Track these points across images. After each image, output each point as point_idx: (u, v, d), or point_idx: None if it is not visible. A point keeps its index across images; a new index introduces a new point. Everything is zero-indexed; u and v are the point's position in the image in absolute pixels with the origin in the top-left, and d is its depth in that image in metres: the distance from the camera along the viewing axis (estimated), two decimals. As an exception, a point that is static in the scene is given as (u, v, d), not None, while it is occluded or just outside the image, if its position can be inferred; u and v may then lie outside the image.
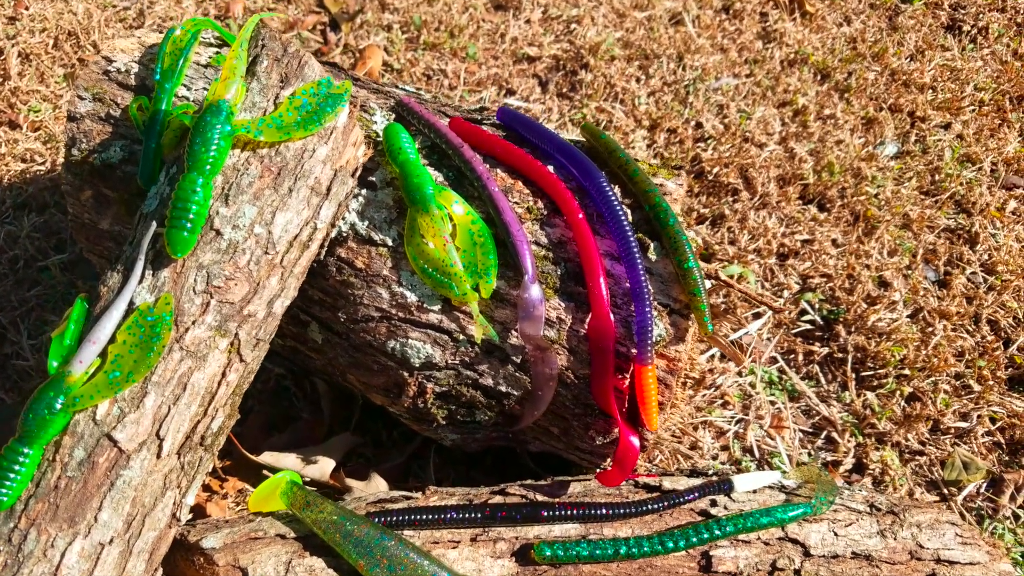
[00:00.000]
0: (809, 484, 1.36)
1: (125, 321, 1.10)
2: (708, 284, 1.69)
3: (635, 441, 1.22)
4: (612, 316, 1.23)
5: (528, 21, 2.78)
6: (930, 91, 2.54)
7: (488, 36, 2.69)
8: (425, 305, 1.30)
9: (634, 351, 1.25)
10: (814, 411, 1.74)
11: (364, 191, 1.34)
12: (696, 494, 1.28)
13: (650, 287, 1.24)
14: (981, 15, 2.86)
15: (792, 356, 1.84)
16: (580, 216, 1.28)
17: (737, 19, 2.83)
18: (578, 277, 1.29)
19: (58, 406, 1.06)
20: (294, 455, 1.55)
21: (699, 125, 2.39)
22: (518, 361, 1.29)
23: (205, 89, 1.47)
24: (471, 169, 1.33)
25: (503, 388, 1.31)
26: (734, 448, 1.68)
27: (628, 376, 1.26)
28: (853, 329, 1.86)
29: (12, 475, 1.05)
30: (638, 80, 2.57)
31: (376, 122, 1.44)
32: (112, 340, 1.10)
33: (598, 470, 1.40)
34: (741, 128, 2.35)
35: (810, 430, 1.72)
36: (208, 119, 1.12)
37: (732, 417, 1.73)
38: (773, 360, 1.83)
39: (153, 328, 1.09)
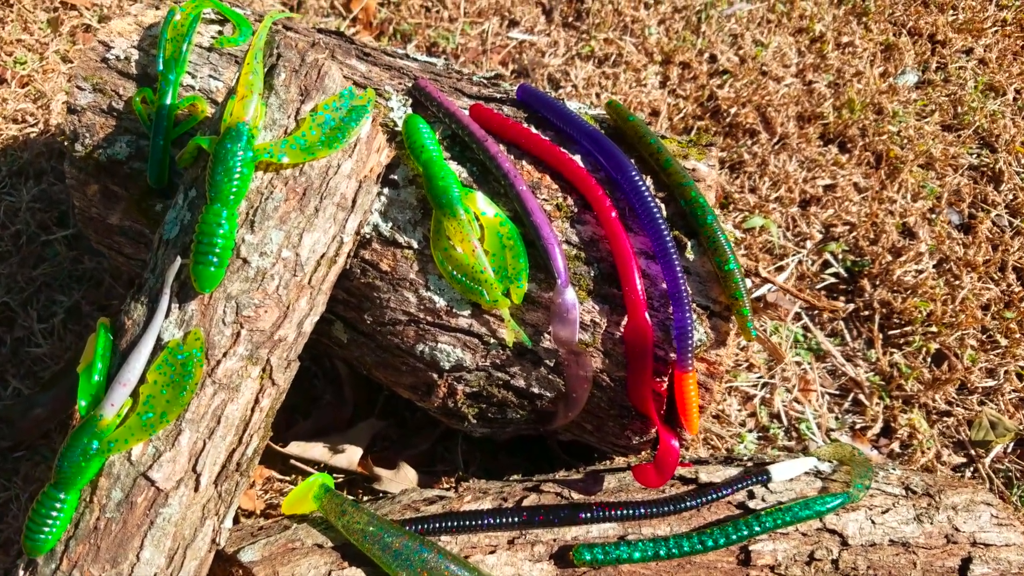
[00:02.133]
0: (844, 465, 1.36)
1: (154, 359, 1.07)
2: (748, 283, 1.64)
3: (675, 444, 1.22)
4: (649, 319, 1.20)
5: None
6: (951, 10, 2.43)
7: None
8: (454, 310, 1.26)
9: (673, 355, 1.23)
10: (840, 371, 1.74)
11: (386, 190, 1.29)
12: (734, 487, 1.29)
13: (688, 288, 1.20)
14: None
15: (817, 312, 1.82)
16: (613, 215, 1.23)
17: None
18: (612, 278, 1.25)
19: (93, 451, 1.04)
20: (321, 445, 1.54)
21: (713, 58, 2.30)
22: (551, 364, 1.27)
23: (211, 76, 1.39)
24: (497, 166, 1.27)
25: (535, 389, 1.29)
26: (761, 414, 1.68)
27: (666, 379, 1.24)
28: (878, 283, 1.83)
29: (51, 521, 1.04)
30: (647, 7, 2.45)
31: (393, 108, 1.37)
32: (143, 380, 1.07)
33: (633, 462, 1.40)
34: (757, 60, 2.26)
35: (836, 392, 1.72)
36: (229, 146, 1.06)
37: (758, 380, 1.72)
38: (797, 317, 1.81)
39: (184, 366, 1.06)
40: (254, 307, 1.09)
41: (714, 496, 1.27)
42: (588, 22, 2.40)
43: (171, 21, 1.40)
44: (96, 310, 1.79)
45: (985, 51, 2.33)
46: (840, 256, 1.88)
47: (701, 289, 1.25)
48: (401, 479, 1.52)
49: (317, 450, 1.53)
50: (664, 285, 1.23)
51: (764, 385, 1.72)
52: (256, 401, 1.13)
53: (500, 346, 1.27)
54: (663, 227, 1.22)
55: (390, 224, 1.28)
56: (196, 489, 1.09)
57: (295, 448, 1.53)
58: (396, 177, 1.30)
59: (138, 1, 2.30)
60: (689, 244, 1.26)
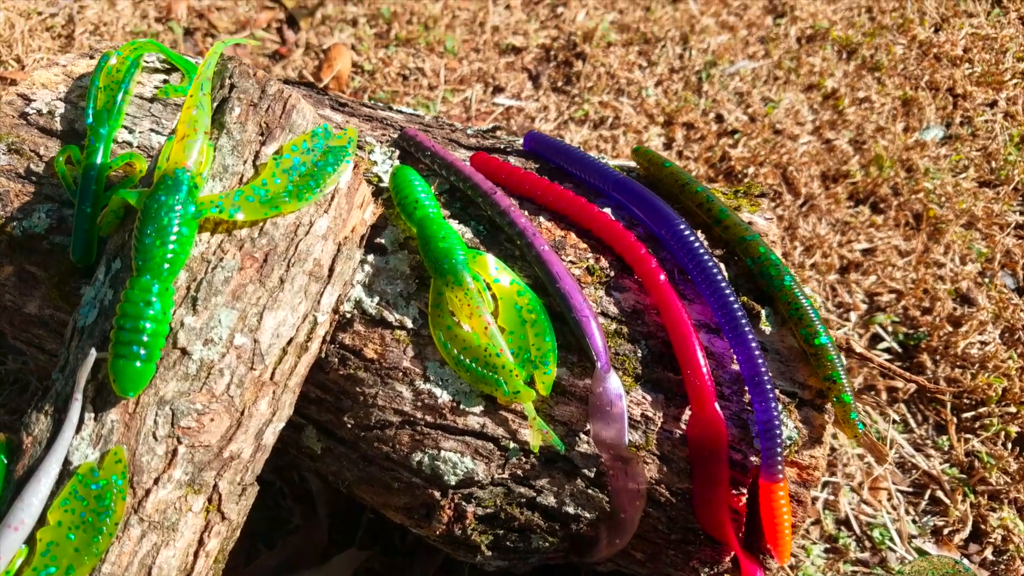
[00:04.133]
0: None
1: (60, 492, 0.77)
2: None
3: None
4: (720, 411, 0.93)
5: (508, 7, 2.45)
6: (966, 64, 2.26)
7: (466, 26, 2.35)
8: (462, 406, 0.98)
9: (754, 459, 0.95)
10: (910, 463, 1.46)
11: (371, 257, 1.02)
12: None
13: (769, 370, 0.93)
14: (998, -24, 2.59)
15: (874, 393, 1.55)
16: (662, 278, 0.97)
17: (740, -10, 2.53)
18: (666, 359, 0.98)
19: (-34, 629, 0.72)
20: (291, 585, 1.22)
21: (720, 117, 2.09)
22: (591, 475, 0.98)
23: (152, 131, 1.12)
24: (510, 222, 1.01)
25: (570, 509, 1.00)
26: (826, 521, 1.39)
27: (746, 491, 0.96)
28: (939, 358, 1.58)
29: None
30: (642, 68, 2.25)
31: (376, 162, 1.11)
32: (42, 521, 0.76)
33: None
34: (769, 118, 2.05)
35: (910, 490, 1.44)
36: (162, 199, 0.78)
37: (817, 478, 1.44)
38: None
39: (100, 500, 0.76)
40: (196, 414, 0.80)
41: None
42: (579, 86, 2.20)
43: (104, 66, 1.14)
44: (17, 420, 1.47)
45: (1009, 104, 2.15)
46: (891, 328, 1.63)
47: (783, 371, 0.98)
48: (393, 626, 1.20)
49: (284, 593, 1.21)
50: (735, 366, 0.96)
51: (826, 485, 1.44)
52: (200, 543, 0.83)
53: (523, 452, 0.98)
54: (728, 291, 0.95)
55: (376, 299, 1.00)
56: (115, 675, 0.78)
57: (257, 592, 1.21)
58: (383, 241, 1.03)
59: (69, 52, 2.06)
60: (763, 313, 0.99)
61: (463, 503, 1.01)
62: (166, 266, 0.77)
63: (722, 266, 0.99)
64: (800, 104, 2.12)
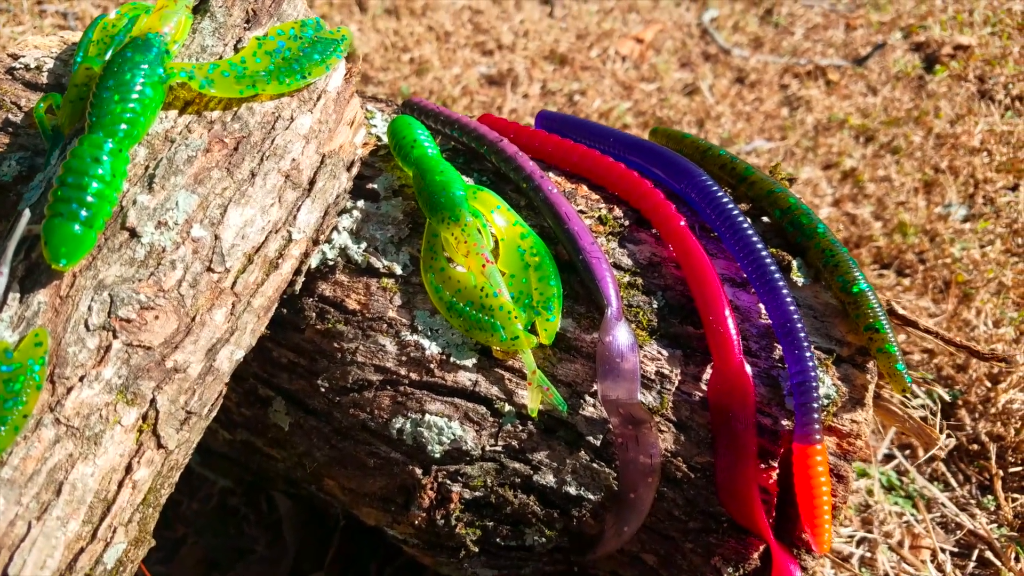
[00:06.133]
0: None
1: (-41, 374, 0.64)
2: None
3: (797, 573, 0.77)
4: (748, 369, 0.80)
5: (526, 96, 2.46)
6: (984, 154, 2.23)
7: (483, 108, 2.34)
8: (453, 359, 0.85)
9: (785, 423, 0.81)
10: (953, 523, 1.30)
11: (361, 203, 0.92)
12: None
13: (803, 321, 0.81)
14: (1011, 84, 2.61)
15: (910, 451, 1.40)
16: (681, 223, 0.87)
17: (755, 89, 2.55)
18: (685, 312, 0.86)
19: None
20: (245, 607, 1.05)
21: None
22: (597, 444, 0.84)
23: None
24: (517, 167, 0.92)
25: (572, 489, 0.85)
26: (863, 579, 1.22)
27: (777, 464, 0.82)
28: (978, 415, 1.44)
29: None
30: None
31: (376, 126, 1.03)
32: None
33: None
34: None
35: (955, 550, 1.27)
36: (128, 55, 0.70)
37: (851, 536, 1.27)
38: (888, 458, 1.40)
39: (8, 385, 0.63)
40: (138, 306, 0.69)
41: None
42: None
43: (101, 22, 1.09)
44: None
45: (1032, 189, 2.10)
46: (924, 388, 1.50)
47: (818, 327, 0.86)
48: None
49: (236, 614, 1.04)
50: (764, 320, 0.84)
51: (861, 541, 1.27)
52: (128, 470, 0.69)
53: (519, 417, 0.85)
54: (755, 239, 0.85)
55: (364, 245, 0.90)
56: (2, 615, 0.62)
57: (203, 611, 1.03)
58: (376, 186, 0.93)
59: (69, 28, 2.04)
60: (794, 264, 0.88)
61: (448, 483, 0.87)
62: (123, 126, 0.68)
63: (748, 219, 0.89)
64: (819, 180, 2.07)
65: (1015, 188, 2.12)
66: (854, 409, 0.82)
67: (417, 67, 2.42)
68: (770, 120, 2.37)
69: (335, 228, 0.89)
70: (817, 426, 0.77)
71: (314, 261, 0.89)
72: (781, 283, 0.82)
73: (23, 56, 1.10)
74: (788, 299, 0.81)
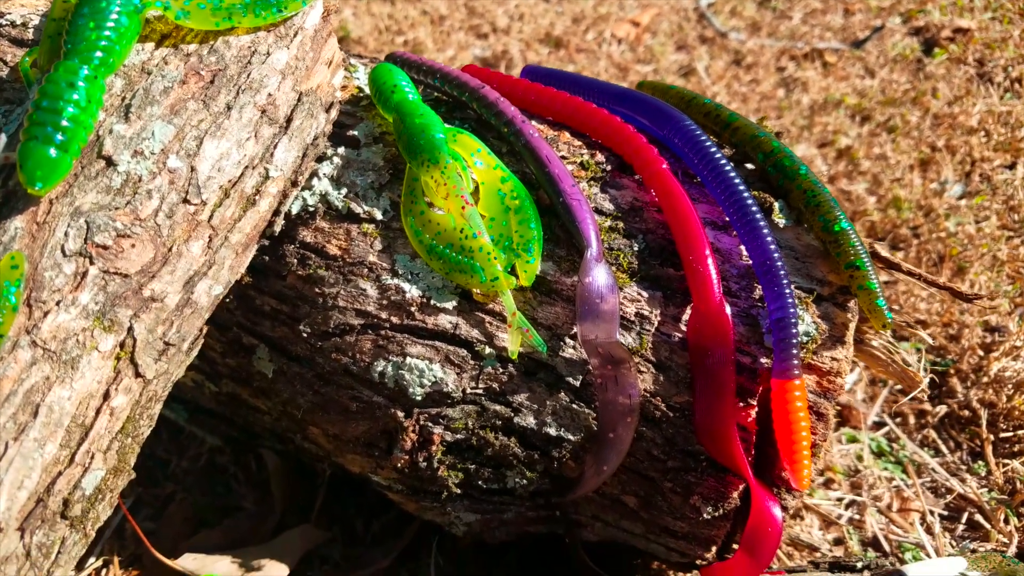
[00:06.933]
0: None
1: (-67, 295, 0.65)
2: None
3: (776, 510, 0.77)
4: (727, 308, 0.80)
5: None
6: (981, 134, 2.22)
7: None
8: (433, 302, 0.85)
9: (765, 361, 0.81)
10: (943, 487, 1.29)
11: (341, 150, 0.92)
12: (856, 594, 0.82)
13: (784, 261, 0.81)
14: (1011, 67, 2.60)
15: (901, 418, 1.40)
16: (663, 166, 0.87)
17: (752, 71, 2.55)
18: (665, 254, 0.86)
19: None
20: (228, 558, 1.05)
21: (730, 166, 2.03)
22: (576, 384, 0.84)
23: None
24: (498, 112, 0.92)
25: (552, 430, 0.85)
26: (851, 540, 1.21)
27: (756, 403, 0.81)
28: (970, 384, 1.43)
29: None
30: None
31: (359, 79, 1.04)
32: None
33: (700, 563, 0.93)
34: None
35: (945, 512, 1.26)
36: (101, -18, 0.70)
37: (840, 499, 1.27)
38: (877, 425, 1.39)
39: (-19, 305, 0.64)
40: (115, 234, 0.69)
41: (830, 608, 0.81)
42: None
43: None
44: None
45: (1030, 169, 2.09)
46: (918, 356, 1.50)
47: (799, 268, 0.86)
48: (343, 610, 1.02)
49: (222, 565, 1.04)
50: (745, 261, 0.84)
51: (850, 504, 1.27)
52: (106, 396, 0.69)
53: (500, 359, 0.85)
54: (737, 180, 0.85)
55: (344, 191, 0.90)
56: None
57: (189, 562, 1.03)
58: (356, 133, 0.94)
59: None
60: (776, 205, 0.88)
61: (429, 425, 0.87)
62: (98, 53, 0.68)
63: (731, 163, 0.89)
64: (814, 157, 2.07)
65: (1012, 167, 2.11)
66: (834, 347, 0.82)
67: (411, 50, 2.42)
68: (766, 101, 2.37)
69: (316, 175, 0.90)
70: (796, 362, 0.77)
71: (295, 207, 0.89)
72: (762, 223, 0.82)
73: (9, 13, 1.10)
74: (769, 239, 0.81)
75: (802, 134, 2.15)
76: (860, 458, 1.33)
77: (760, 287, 0.82)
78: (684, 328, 0.83)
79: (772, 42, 2.63)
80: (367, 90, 1.00)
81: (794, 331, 0.77)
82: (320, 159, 0.90)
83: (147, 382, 0.72)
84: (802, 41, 2.61)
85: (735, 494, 0.83)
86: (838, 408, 1.41)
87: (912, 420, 1.40)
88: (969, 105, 2.33)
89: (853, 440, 1.36)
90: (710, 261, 0.81)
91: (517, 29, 2.58)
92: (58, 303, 0.67)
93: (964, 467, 1.33)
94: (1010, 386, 1.40)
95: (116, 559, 1.09)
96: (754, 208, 0.83)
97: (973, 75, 2.57)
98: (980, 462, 1.33)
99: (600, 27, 2.67)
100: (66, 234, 0.68)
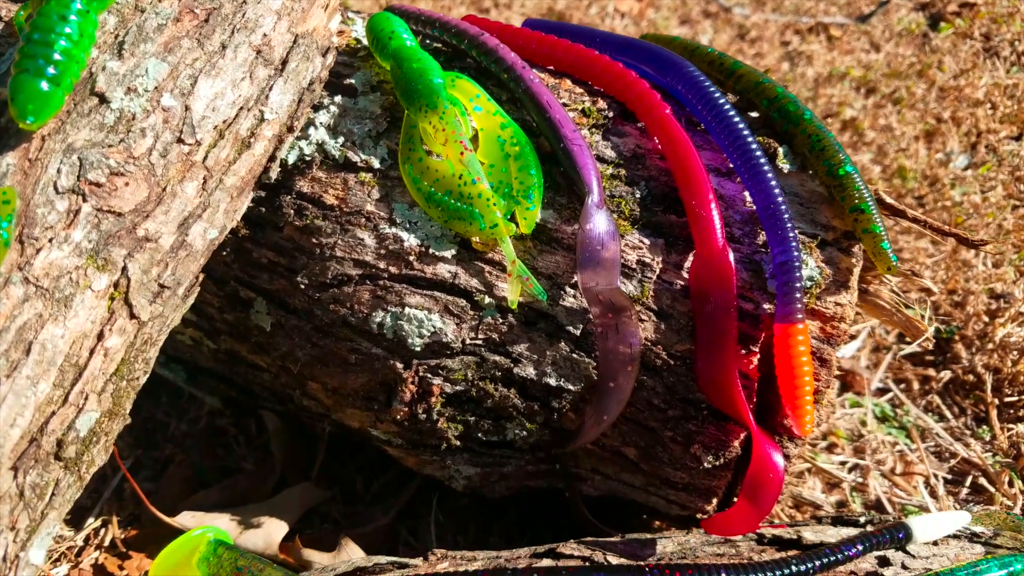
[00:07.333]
0: (1007, 532, 0.90)
1: (-77, 229, 0.64)
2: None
3: (778, 458, 0.76)
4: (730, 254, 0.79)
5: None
6: (987, 106, 2.21)
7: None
8: (432, 251, 0.84)
9: (768, 307, 0.80)
10: (947, 452, 1.28)
11: (338, 98, 0.91)
12: (859, 547, 0.81)
13: (787, 205, 0.80)
14: (1017, 41, 2.57)
15: (905, 384, 1.39)
16: (666, 111, 0.85)
17: (756, 44, 2.53)
18: (667, 201, 0.85)
19: None
20: (227, 516, 1.05)
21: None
22: (577, 334, 0.83)
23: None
24: (498, 59, 0.90)
25: (552, 380, 0.84)
26: (854, 502, 1.20)
27: (758, 350, 0.80)
28: (975, 349, 1.42)
29: None
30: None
31: (356, 30, 1.02)
32: None
33: (700, 516, 0.92)
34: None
35: (948, 476, 1.25)
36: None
37: (843, 463, 1.26)
38: (881, 391, 1.38)
39: (-28, 240, 0.63)
40: (108, 171, 0.68)
41: (832, 559, 0.80)
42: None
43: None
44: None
45: (1036, 139, 2.07)
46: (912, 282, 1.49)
47: (803, 214, 0.84)
48: (342, 567, 1.01)
49: (220, 522, 1.03)
50: (749, 207, 0.83)
51: (854, 468, 1.26)
52: (100, 336, 0.68)
53: (499, 309, 0.84)
54: (741, 125, 0.83)
55: (341, 140, 0.89)
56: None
57: (187, 519, 1.03)
58: (353, 82, 0.92)
59: None
60: (780, 151, 0.87)
61: (429, 376, 0.86)
62: (90, -14, 0.67)
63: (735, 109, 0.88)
64: (818, 128, 2.05)
65: (1019, 138, 2.09)
66: (838, 292, 0.81)
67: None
68: (771, 74, 2.35)
69: (312, 124, 0.88)
70: (799, 306, 0.76)
71: (291, 157, 0.88)
72: (766, 167, 0.81)
73: (6, -32, 1.09)
74: (773, 183, 0.80)
75: (807, 105, 2.13)
76: (864, 423, 1.32)
77: (764, 233, 0.81)
78: (686, 276, 0.82)
79: (776, 16, 2.60)
80: (365, 41, 0.99)
81: (797, 275, 0.76)
82: (316, 108, 0.89)
83: (142, 324, 0.71)
84: (807, 15, 2.58)
85: (736, 443, 0.82)
86: (841, 373, 1.40)
87: (916, 386, 1.39)
88: (975, 78, 2.30)
89: (856, 405, 1.35)
90: (713, 205, 0.79)
91: (519, 3, 2.56)
92: (51, 240, 0.66)
93: (968, 432, 1.32)
94: (1015, 351, 1.39)
95: (115, 519, 1.08)
96: (758, 152, 0.81)
97: (979, 49, 2.55)
98: (984, 427, 1.32)
99: (603, 1, 2.65)
100: (59, 171, 0.66)
